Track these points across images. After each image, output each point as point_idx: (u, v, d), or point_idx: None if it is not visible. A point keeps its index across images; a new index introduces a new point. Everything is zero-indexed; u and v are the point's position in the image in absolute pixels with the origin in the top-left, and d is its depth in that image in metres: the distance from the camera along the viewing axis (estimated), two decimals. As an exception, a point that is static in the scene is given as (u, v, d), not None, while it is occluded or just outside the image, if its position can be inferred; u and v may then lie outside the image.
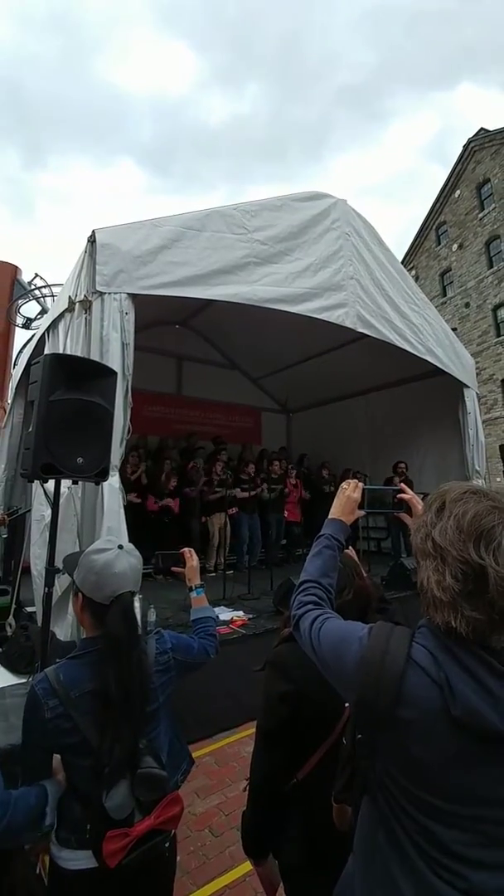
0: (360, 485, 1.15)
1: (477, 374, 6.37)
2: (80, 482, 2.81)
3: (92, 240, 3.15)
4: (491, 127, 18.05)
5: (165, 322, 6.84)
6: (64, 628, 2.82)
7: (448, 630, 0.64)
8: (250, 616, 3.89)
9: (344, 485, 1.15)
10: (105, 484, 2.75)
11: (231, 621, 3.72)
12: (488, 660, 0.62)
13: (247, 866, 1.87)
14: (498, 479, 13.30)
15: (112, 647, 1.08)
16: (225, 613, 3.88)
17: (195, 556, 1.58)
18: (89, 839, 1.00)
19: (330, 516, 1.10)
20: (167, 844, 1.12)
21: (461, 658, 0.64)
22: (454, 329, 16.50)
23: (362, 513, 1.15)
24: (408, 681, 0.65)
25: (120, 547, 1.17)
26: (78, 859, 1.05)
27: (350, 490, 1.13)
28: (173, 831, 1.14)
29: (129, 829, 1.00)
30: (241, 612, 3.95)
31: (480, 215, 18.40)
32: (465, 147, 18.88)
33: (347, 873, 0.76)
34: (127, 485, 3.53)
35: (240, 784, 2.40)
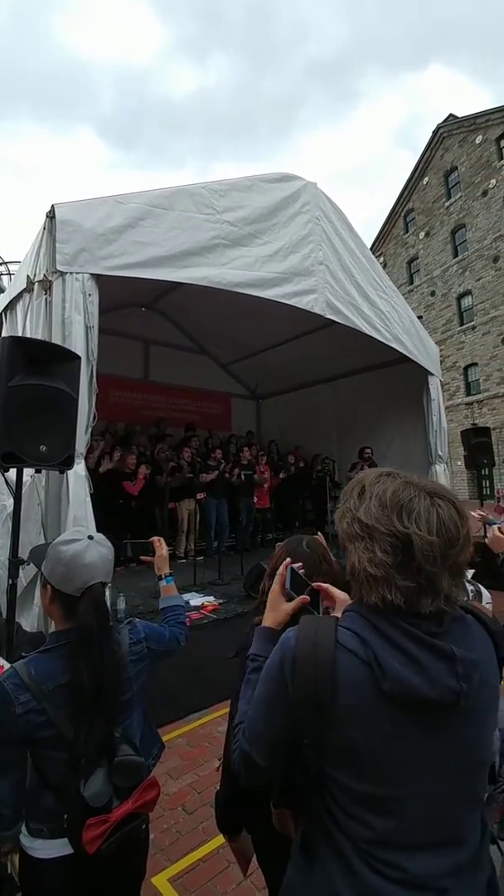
0: (283, 572, 0.94)
1: (441, 362, 6.58)
2: (43, 471, 2.72)
3: (51, 215, 2.98)
4: (460, 113, 18.26)
5: (131, 304, 6.63)
6: (30, 619, 2.76)
7: (385, 604, 0.66)
8: (221, 601, 3.95)
9: (275, 586, 0.96)
10: (70, 472, 2.68)
11: (202, 606, 3.76)
12: (413, 631, 0.65)
13: (219, 840, 1.94)
14: (458, 463, 13.93)
15: (84, 639, 1.07)
16: (196, 599, 3.92)
17: (164, 545, 1.58)
18: (67, 828, 1.01)
19: (261, 625, 0.94)
20: (143, 826, 1.14)
21: (387, 633, 0.66)
22: (420, 317, 16.92)
23: (292, 605, 0.91)
24: (340, 666, 0.66)
25: (90, 537, 1.15)
26: (51, 848, 1.05)
27: (275, 584, 0.95)
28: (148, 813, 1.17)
29: (108, 815, 1.01)
30: (211, 598, 4.00)
31: (447, 203, 18.75)
32: (434, 133, 19.05)
33: (289, 884, 0.76)
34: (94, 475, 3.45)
35: (212, 763, 2.46)
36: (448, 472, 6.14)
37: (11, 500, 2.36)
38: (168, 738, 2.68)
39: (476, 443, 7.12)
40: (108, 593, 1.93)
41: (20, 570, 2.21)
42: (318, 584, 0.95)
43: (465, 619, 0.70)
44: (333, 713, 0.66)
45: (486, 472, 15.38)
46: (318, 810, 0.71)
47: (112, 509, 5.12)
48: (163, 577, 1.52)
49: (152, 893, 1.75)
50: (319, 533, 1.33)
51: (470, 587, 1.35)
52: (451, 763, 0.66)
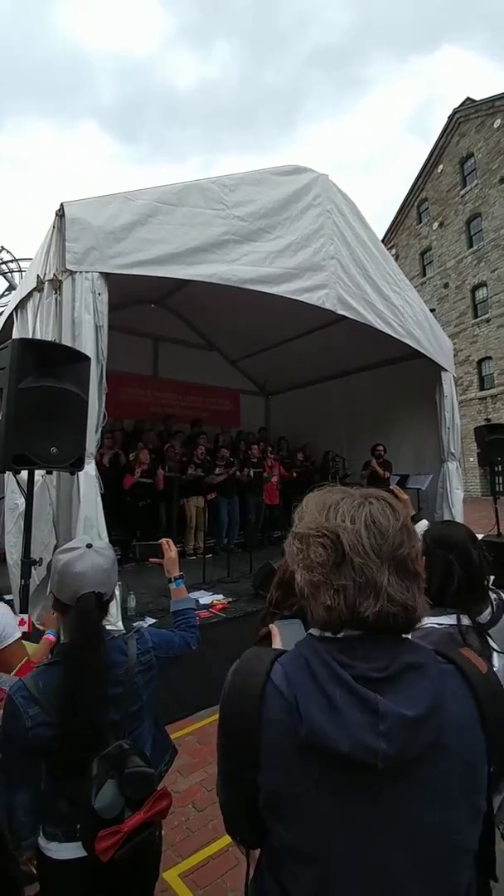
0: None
1: (454, 356, 6.46)
2: (54, 471, 2.74)
3: (60, 214, 2.97)
4: (477, 96, 17.69)
5: (140, 301, 6.61)
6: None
7: (327, 610, 0.60)
8: (230, 599, 3.96)
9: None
10: (81, 473, 2.69)
11: (211, 605, 3.77)
12: (341, 674, 0.58)
13: (229, 838, 1.96)
14: (471, 460, 13.72)
15: (70, 655, 1.08)
16: (205, 597, 3.93)
17: (174, 547, 1.57)
18: (80, 836, 1.02)
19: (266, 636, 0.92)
20: (157, 833, 1.15)
21: (315, 671, 0.60)
22: (433, 310, 16.59)
23: None
24: (267, 704, 0.61)
25: (89, 546, 1.15)
26: (65, 850, 1.07)
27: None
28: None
29: (120, 825, 1.02)
30: (220, 596, 4.01)
31: (462, 192, 18.30)
32: (450, 118, 18.54)
33: None
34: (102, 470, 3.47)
35: (221, 761, 2.49)
36: (461, 470, 6.05)
37: (23, 501, 2.39)
38: (177, 736, 2.71)
39: (491, 440, 6.98)
40: (118, 591, 1.93)
41: (33, 571, 2.24)
42: None
43: (426, 668, 0.60)
44: (259, 752, 0.61)
45: (501, 469, 15.13)
46: (260, 860, 0.68)
47: (120, 506, 5.15)
48: (172, 579, 1.52)
49: (164, 888, 1.78)
50: None
51: (493, 595, 1.30)
52: (397, 838, 0.57)
